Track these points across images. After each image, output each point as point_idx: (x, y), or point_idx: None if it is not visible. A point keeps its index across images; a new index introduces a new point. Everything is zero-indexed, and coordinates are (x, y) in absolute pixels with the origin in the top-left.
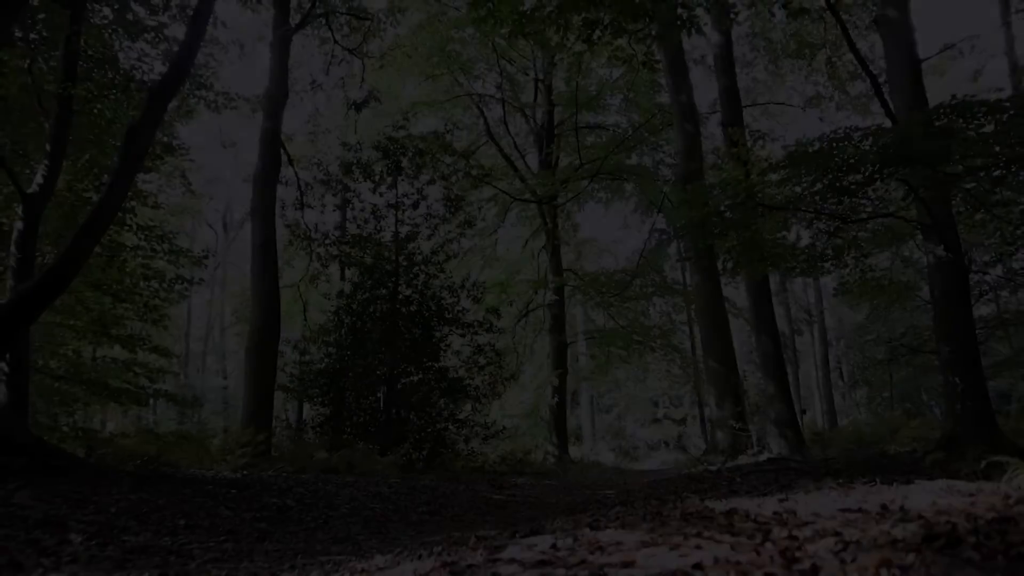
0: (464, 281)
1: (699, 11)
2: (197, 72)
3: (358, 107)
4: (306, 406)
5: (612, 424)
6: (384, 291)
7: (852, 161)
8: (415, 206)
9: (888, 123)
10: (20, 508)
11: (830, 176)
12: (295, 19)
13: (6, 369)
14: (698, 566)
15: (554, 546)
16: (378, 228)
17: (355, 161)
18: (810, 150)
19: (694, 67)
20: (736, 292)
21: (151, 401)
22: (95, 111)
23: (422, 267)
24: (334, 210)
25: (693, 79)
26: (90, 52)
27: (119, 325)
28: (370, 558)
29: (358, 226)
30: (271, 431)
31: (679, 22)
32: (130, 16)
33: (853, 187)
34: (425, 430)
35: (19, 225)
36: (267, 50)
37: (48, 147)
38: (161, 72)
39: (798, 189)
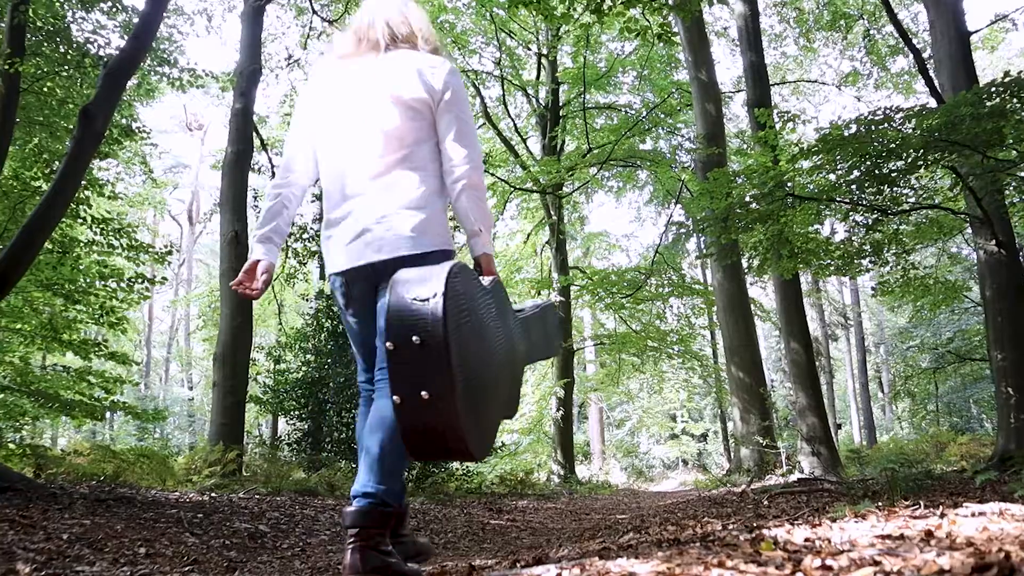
0: None
1: None
2: (159, 46)
3: None
4: (281, 420)
5: (624, 441)
6: None
7: (893, 146)
8: None
9: (933, 103)
10: None
11: (868, 163)
12: None
13: None
14: None
15: None
16: None
17: None
18: (846, 133)
19: (716, 41)
20: (763, 293)
21: (108, 414)
22: (45, 89)
23: None
24: (312, 201)
25: (715, 54)
26: (39, 23)
27: (72, 329)
28: None
29: None
30: (242, 448)
31: None
32: None
33: (894, 175)
34: None
35: None
36: (238, 22)
37: None
38: (119, 46)
39: (832, 177)
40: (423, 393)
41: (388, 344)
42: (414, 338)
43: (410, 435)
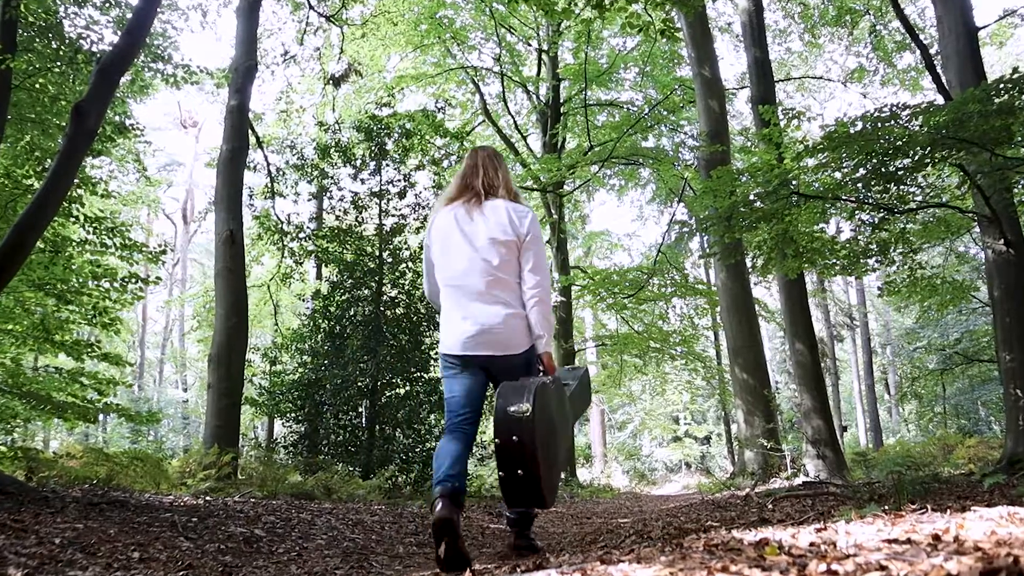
0: None
1: None
2: (153, 42)
3: (336, 82)
4: (277, 422)
5: (626, 443)
6: (366, 291)
7: (900, 143)
8: (401, 195)
9: (940, 100)
10: None
11: (874, 160)
12: None
13: None
14: None
15: None
16: (359, 220)
17: (333, 143)
18: (852, 131)
19: (719, 37)
20: (767, 293)
21: (101, 417)
22: (37, 86)
23: (409, 264)
24: (309, 199)
25: (719, 50)
26: (31, 19)
27: (64, 330)
28: None
29: (336, 217)
30: (237, 451)
31: None
32: None
33: (901, 173)
34: (413, 450)
35: None
36: (233, 17)
37: None
38: (112, 42)
39: (838, 175)
40: (519, 471)
41: (496, 440)
42: (514, 438)
43: (508, 495)
